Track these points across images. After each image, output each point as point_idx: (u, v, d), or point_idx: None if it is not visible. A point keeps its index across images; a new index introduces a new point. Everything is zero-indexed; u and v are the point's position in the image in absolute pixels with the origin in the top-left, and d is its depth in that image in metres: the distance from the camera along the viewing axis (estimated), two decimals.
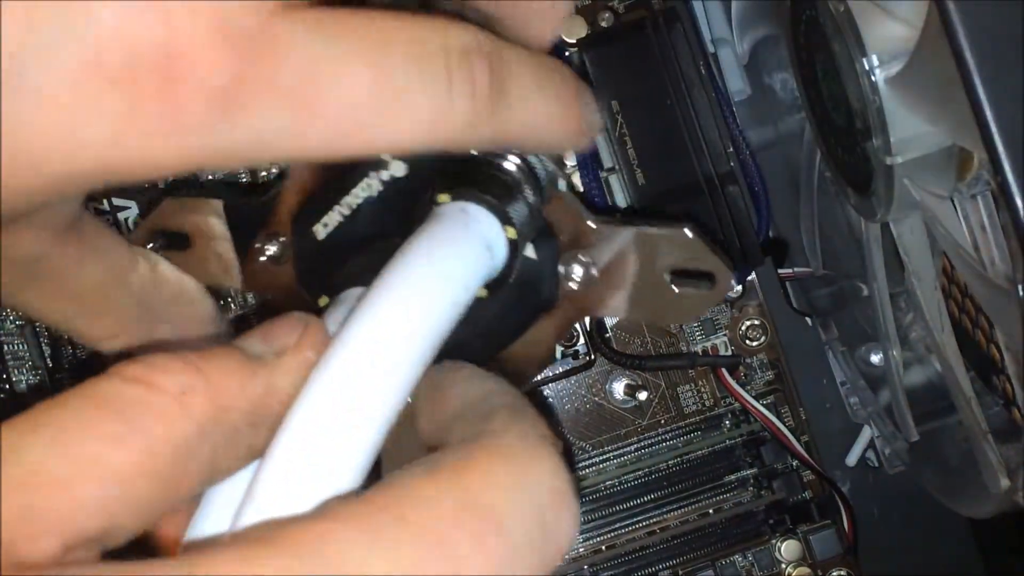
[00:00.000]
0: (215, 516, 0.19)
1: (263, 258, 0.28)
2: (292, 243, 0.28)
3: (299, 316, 0.20)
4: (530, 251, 0.27)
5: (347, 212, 0.27)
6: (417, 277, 0.21)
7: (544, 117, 0.21)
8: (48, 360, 0.43)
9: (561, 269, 0.27)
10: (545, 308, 0.28)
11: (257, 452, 0.18)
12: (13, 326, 0.42)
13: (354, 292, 0.24)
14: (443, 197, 0.24)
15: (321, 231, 0.27)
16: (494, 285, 0.25)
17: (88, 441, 0.16)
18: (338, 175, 0.27)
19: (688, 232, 0.27)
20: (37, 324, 0.43)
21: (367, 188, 0.27)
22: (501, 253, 0.24)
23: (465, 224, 0.23)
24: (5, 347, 0.41)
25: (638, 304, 0.28)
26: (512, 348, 0.28)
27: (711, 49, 0.42)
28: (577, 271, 0.27)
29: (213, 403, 0.17)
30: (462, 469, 0.17)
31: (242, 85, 0.16)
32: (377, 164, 0.26)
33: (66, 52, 0.15)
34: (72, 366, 0.43)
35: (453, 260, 0.22)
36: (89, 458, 0.15)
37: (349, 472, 0.18)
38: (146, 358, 0.17)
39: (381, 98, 0.18)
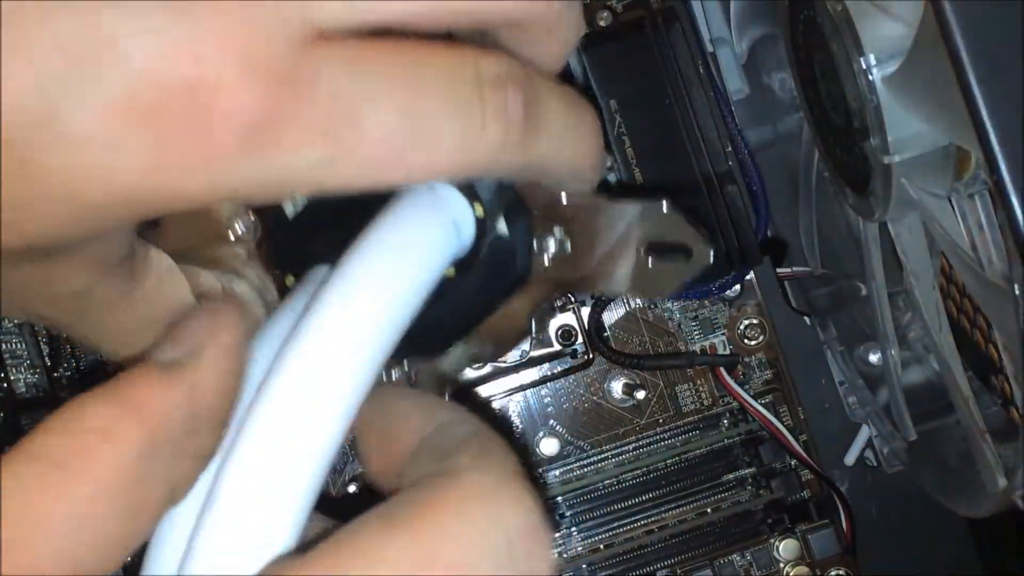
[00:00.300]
0: (163, 560, 0.18)
1: (233, 236, 0.28)
2: (263, 221, 0.28)
3: (207, 307, 0.20)
4: (502, 226, 0.26)
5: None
6: (380, 262, 0.21)
7: (571, 150, 0.21)
8: (47, 360, 0.43)
9: (535, 244, 0.27)
10: (518, 284, 0.27)
11: (207, 453, 0.18)
12: (12, 326, 0.42)
13: (320, 272, 0.23)
14: None
15: (289, 208, 0.27)
16: (463, 264, 0.25)
17: (32, 499, 0.15)
18: None
19: (664, 205, 0.27)
20: (36, 324, 0.43)
21: None
22: (469, 231, 0.24)
23: (431, 202, 0.23)
24: (4, 347, 0.41)
25: (615, 278, 0.28)
26: (487, 322, 0.28)
27: (710, 49, 0.42)
28: (551, 245, 0.27)
29: (142, 426, 0.17)
30: (422, 521, 0.16)
31: (273, 120, 0.16)
32: None
33: (97, 91, 0.15)
34: (71, 366, 0.43)
35: (418, 242, 0.22)
36: (36, 516, 0.15)
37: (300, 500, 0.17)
38: (66, 405, 0.17)
39: (415, 128, 0.18)
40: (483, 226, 0.25)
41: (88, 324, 0.23)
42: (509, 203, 0.26)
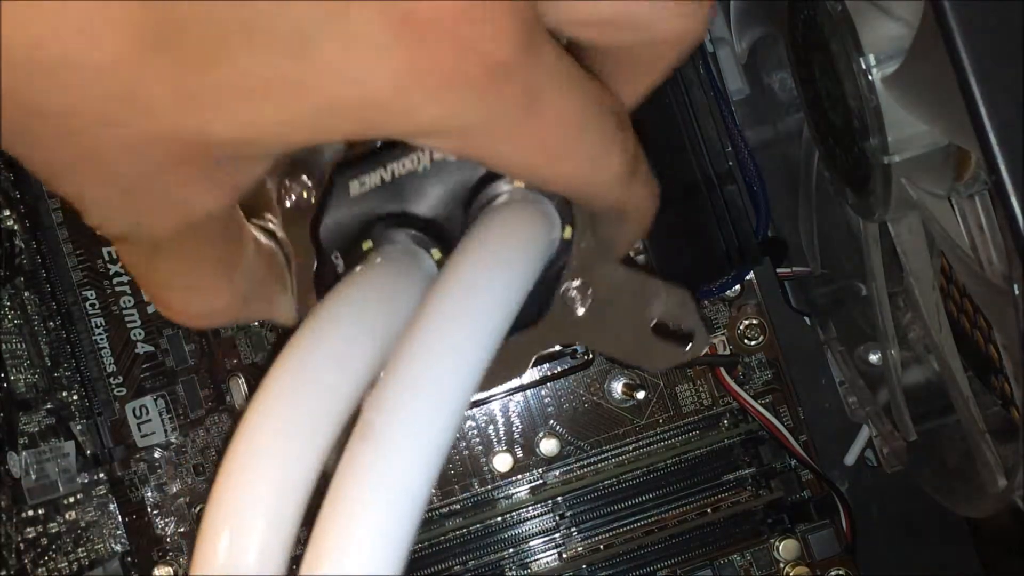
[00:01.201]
0: None
1: (288, 203, 0.29)
2: (324, 190, 0.28)
3: None
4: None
5: (388, 178, 0.27)
6: (505, 252, 0.22)
7: (650, 201, 0.24)
8: (47, 360, 0.43)
9: (560, 290, 0.29)
10: (532, 321, 0.29)
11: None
12: (12, 325, 0.42)
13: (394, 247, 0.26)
14: (518, 182, 0.25)
15: (356, 187, 0.27)
16: None
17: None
18: (393, 142, 0.28)
19: (685, 293, 0.29)
20: (36, 323, 0.43)
21: (415, 161, 0.28)
22: (553, 251, 0.26)
23: (544, 211, 0.24)
24: (4, 347, 0.41)
25: (615, 342, 0.30)
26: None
27: (710, 48, 0.42)
28: (574, 297, 0.29)
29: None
30: None
31: (509, 72, 0.18)
32: None
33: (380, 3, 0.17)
34: (71, 366, 0.43)
35: (533, 245, 0.23)
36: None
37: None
38: None
39: (576, 135, 0.20)
40: (566, 249, 0.26)
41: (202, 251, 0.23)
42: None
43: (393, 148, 0.28)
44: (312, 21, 0.17)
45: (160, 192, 0.20)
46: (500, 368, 0.30)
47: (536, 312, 0.28)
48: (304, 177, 0.29)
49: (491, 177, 0.26)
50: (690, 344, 0.29)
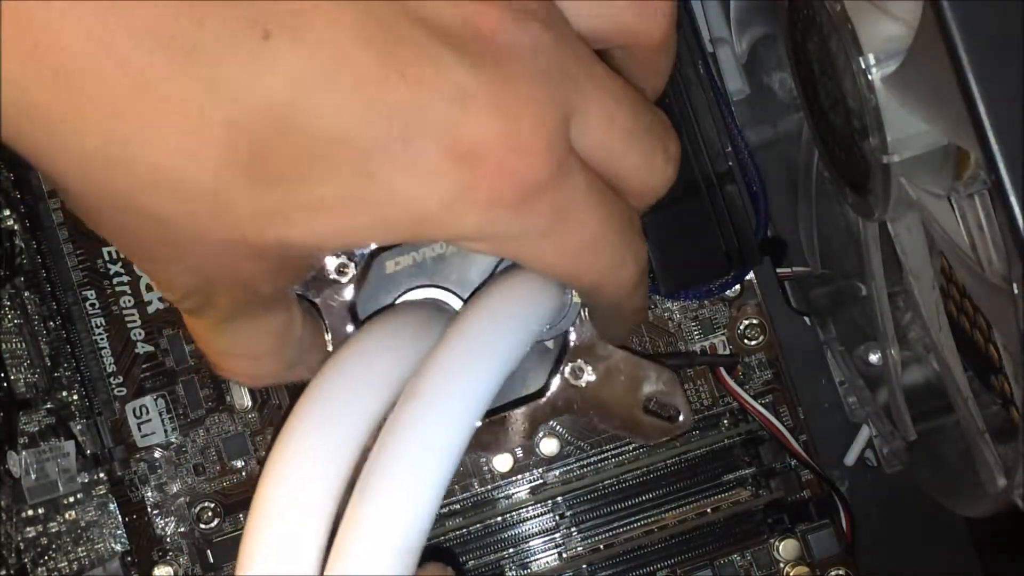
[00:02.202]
0: None
1: (332, 273, 0.35)
2: (363, 268, 0.34)
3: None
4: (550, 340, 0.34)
5: (419, 259, 0.33)
6: (513, 309, 0.26)
7: (647, 300, 0.29)
8: (47, 360, 0.43)
9: (565, 368, 0.34)
10: (535, 396, 0.34)
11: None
12: (12, 325, 0.42)
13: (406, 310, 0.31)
14: None
15: (391, 267, 0.33)
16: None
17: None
18: None
19: (673, 373, 0.35)
20: (36, 323, 0.43)
21: (443, 247, 0.33)
22: (565, 311, 0.31)
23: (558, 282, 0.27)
24: (4, 347, 0.41)
25: (608, 416, 0.35)
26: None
27: (709, 48, 0.42)
28: (579, 374, 0.34)
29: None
30: None
31: (542, 190, 0.21)
32: None
33: (437, 132, 0.19)
34: (71, 366, 0.43)
35: (542, 307, 0.26)
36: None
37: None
38: None
39: (591, 248, 0.23)
40: (574, 314, 0.32)
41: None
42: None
43: None
44: (379, 150, 0.19)
45: (230, 279, 0.22)
46: (497, 442, 0.37)
47: (544, 386, 0.33)
48: (345, 257, 0.34)
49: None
50: (678, 421, 0.34)
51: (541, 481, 0.43)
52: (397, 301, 0.34)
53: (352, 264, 0.35)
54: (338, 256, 0.35)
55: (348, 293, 0.35)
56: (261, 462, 0.40)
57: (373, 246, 0.35)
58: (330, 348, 0.32)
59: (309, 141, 0.19)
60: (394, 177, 0.19)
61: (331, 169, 0.19)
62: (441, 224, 0.20)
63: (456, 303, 0.34)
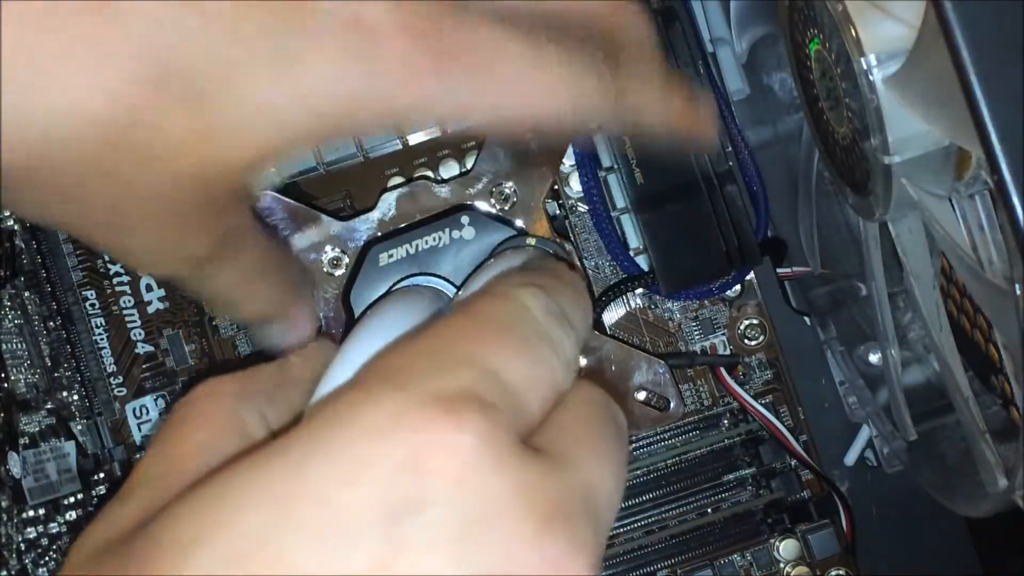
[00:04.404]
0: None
1: (326, 266, 0.36)
2: (356, 260, 0.35)
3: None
4: None
5: (412, 251, 0.34)
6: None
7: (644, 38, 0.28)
8: (47, 360, 0.43)
9: None
10: None
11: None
12: (12, 325, 0.42)
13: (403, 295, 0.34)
14: (531, 240, 0.34)
15: (384, 259, 0.34)
16: None
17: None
18: (418, 223, 0.35)
19: (663, 363, 0.36)
20: (36, 323, 0.43)
21: (436, 239, 0.34)
22: None
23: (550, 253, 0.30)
24: (4, 347, 0.41)
25: None
26: None
27: (710, 48, 0.42)
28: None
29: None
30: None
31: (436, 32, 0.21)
32: (453, 224, 0.35)
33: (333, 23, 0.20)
34: (71, 366, 0.43)
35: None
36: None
37: None
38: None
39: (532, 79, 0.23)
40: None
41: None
42: None
43: (418, 227, 0.35)
44: (292, 36, 0.20)
45: (198, 222, 0.23)
46: None
47: None
48: (339, 250, 0.35)
49: (482, 255, 0.34)
50: (668, 410, 0.35)
51: None
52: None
53: (345, 257, 0.36)
54: (332, 249, 0.36)
55: (341, 286, 0.36)
56: None
57: (365, 237, 0.36)
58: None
59: (216, 56, 0.19)
60: (309, 64, 0.20)
61: (247, 74, 0.20)
62: (367, 99, 0.21)
63: (450, 290, 0.35)
